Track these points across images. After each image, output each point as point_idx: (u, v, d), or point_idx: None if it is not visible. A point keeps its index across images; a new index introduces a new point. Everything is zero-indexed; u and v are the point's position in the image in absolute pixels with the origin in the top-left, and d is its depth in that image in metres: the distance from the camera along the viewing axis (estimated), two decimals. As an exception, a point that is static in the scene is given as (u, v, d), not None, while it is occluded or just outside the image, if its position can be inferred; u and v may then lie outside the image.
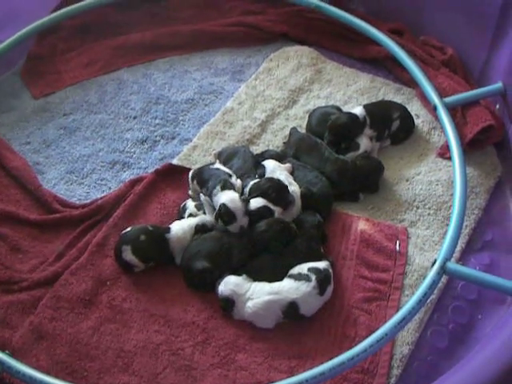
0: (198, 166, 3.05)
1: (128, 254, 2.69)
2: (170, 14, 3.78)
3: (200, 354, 2.52)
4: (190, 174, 2.94)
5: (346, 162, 2.96)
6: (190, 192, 2.96)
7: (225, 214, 2.65)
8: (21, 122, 3.34)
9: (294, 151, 3.06)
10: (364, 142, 3.06)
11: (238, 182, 2.82)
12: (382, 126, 3.13)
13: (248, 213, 2.69)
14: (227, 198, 2.67)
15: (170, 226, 2.77)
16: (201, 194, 2.83)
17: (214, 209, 2.72)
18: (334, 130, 3.04)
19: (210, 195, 2.76)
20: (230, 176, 2.82)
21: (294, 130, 3.16)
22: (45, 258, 2.79)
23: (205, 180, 2.82)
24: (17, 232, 2.87)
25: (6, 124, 3.34)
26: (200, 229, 2.75)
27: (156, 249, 2.71)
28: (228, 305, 2.57)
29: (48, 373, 2.38)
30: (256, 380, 2.44)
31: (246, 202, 2.70)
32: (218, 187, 2.72)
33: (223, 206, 2.66)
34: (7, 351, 2.44)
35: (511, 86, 3.04)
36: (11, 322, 2.58)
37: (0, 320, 2.58)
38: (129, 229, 2.77)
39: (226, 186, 2.72)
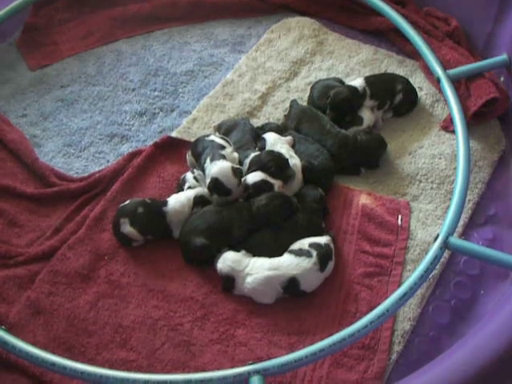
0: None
1: (126, 227, 2.67)
2: (169, -16, 3.72)
3: (199, 330, 2.50)
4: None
5: (347, 136, 2.92)
6: (188, 160, 2.91)
7: (216, 186, 2.63)
8: (17, 95, 3.31)
9: (295, 124, 3.02)
10: (367, 116, 3.03)
11: (233, 154, 2.78)
12: (383, 95, 3.09)
13: (243, 184, 2.66)
14: (217, 169, 2.64)
15: (168, 199, 2.74)
16: (194, 170, 2.79)
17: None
18: (335, 105, 3.00)
19: (202, 169, 2.73)
20: (224, 147, 2.77)
21: (294, 103, 3.11)
22: (42, 232, 2.77)
23: (199, 153, 2.79)
24: (13, 206, 2.85)
25: (2, 96, 3.30)
26: (199, 200, 2.71)
27: (154, 222, 2.68)
28: (229, 283, 2.55)
29: (45, 348, 2.36)
30: (255, 356, 2.42)
31: (239, 171, 2.67)
32: (208, 159, 2.69)
33: (214, 178, 2.63)
34: (3, 326, 2.41)
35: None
36: (8, 297, 2.56)
37: (-4, 295, 2.57)
38: (127, 202, 2.74)
39: (215, 157, 2.69)
